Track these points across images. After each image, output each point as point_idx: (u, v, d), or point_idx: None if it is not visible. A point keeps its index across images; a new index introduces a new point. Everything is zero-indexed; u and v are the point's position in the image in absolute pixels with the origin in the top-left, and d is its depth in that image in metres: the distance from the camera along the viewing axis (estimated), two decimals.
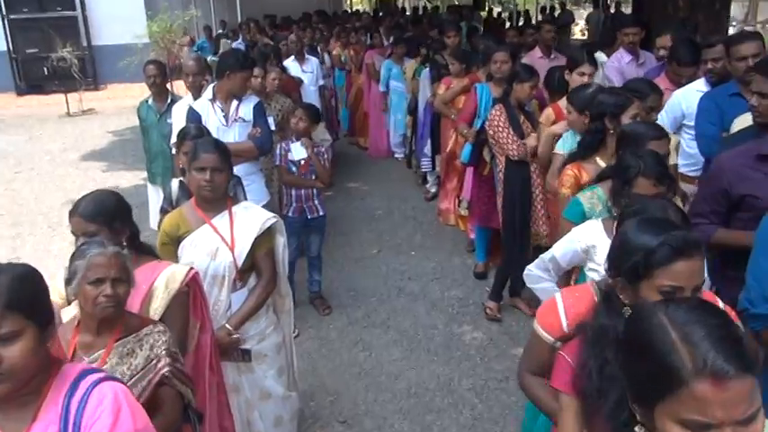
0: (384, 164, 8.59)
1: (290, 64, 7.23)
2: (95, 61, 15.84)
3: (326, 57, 9.80)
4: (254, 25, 10.79)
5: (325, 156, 4.46)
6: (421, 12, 21.63)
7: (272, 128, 5.13)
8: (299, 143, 4.39)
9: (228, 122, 3.98)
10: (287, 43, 7.48)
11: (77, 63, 13.39)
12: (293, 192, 4.43)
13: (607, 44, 5.40)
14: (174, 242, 2.72)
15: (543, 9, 21.88)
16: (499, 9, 27.23)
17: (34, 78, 15.09)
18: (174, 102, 4.94)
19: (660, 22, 6.49)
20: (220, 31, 14.32)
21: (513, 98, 4.21)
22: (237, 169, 3.96)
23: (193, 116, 3.95)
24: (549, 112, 4.01)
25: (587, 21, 20.85)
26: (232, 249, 2.68)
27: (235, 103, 4.00)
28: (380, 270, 5.32)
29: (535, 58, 5.75)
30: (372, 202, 7.01)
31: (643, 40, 5.58)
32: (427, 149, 6.89)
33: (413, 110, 7.41)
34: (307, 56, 7.34)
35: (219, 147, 2.73)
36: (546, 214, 4.19)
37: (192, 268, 2.35)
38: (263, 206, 4.16)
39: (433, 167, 6.91)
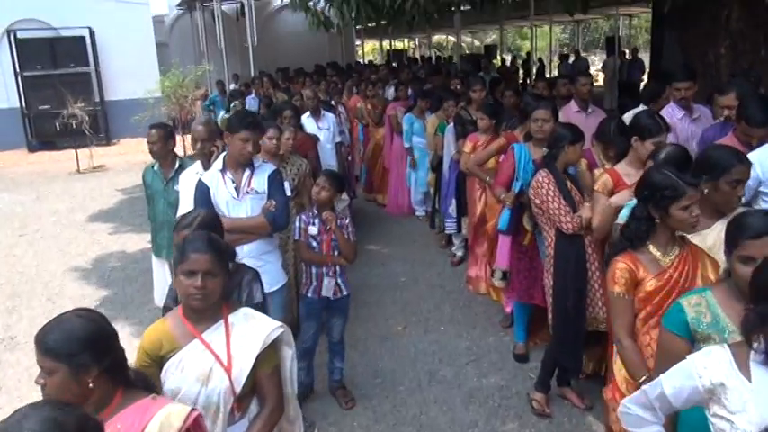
0: (405, 223, 8.11)
1: (305, 120, 6.84)
2: (108, 116, 15.71)
3: (342, 109, 9.47)
4: (267, 79, 10.49)
5: (350, 229, 3.98)
6: (434, 61, 21.57)
7: (289, 193, 4.70)
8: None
9: (240, 195, 3.53)
10: (301, 98, 7.12)
11: (88, 119, 13.19)
12: (313, 269, 3.94)
13: (653, 98, 4.95)
14: (156, 364, 2.21)
15: (566, 56, 21.68)
16: (509, 57, 27.16)
17: (46, 135, 14.92)
18: (182, 167, 4.52)
19: (700, 72, 6.07)
20: (233, 86, 14.11)
21: (560, 162, 3.74)
22: (251, 248, 3.54)
23: (202, 190, 3.51)
24: (605, 179, 3.52)
25: (603, 68, 20.59)
26: (229, 371, 2.17)
27: (247, 172, 3.55)
28: (408, 351, 4.77)
29: (571, 112, 5.31)
30: (395, 268, 6.51)
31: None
32: (452, 210, 6.41)
33: (435, 167, 6.97)
34: (323, 112, 6.96)
35: (213, 245, 2.25)
36: (604, 295, 3.66)
37: (193, 409, 1.84)
38: (280, 288, 3.74)
39: (459, 229, 6.41)
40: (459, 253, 6.57)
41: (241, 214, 3.50)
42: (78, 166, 12.76)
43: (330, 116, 6.97)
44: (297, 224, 3.93)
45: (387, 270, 6.45)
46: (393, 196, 8.56)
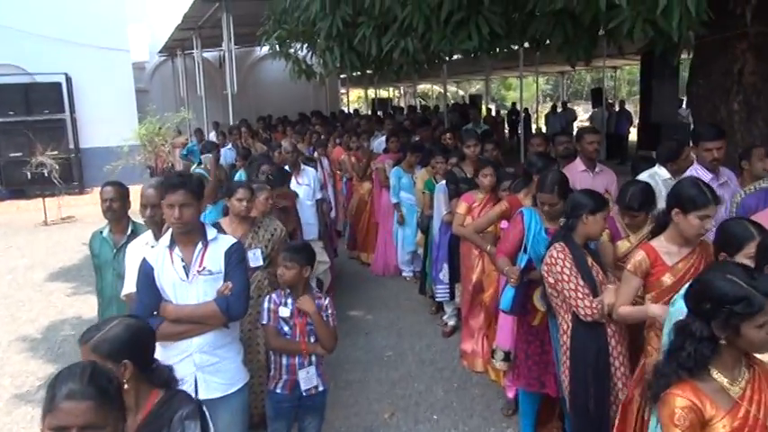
0: (391, 284, 7.49)
1: None
2: (82, 164, 15.09)
3: (325, 162, 8.95)
4: (245, 129, 9.96)
5: (329, 311, 3.37)
6: (420, 111, 21.30)
7: (260, 263, 4.09)
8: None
9: (190, 276, 2.89)
10: (281, 152, 6.58)
11: (58, 168, 12.55)
12: (284, 360, 3.30)
13: (671, 158, 4.44)
14: None
15: (555, 107, 21.51)
16: (493, 107, 26.99)
17: (16, 183, 14.26)
18: (135, 233, 3.90)
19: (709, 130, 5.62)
20: (213, 134, 13.55)
21: (579, 234, 3.18)
22: (202, 342, 2.90)
23: (145, 271, 2.89)
24: (641, 257, 2.93)
25: (591, 119, 20.40)
26: None
27: (199, 247, 2.92)
28: None
29: (576, 172, 4.78)
30: (380, 339, 5.85)
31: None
32: (443, 275, 5.80)
33: (425, 228, 6.40)
34: (303, 166, 6.40)
35: (97, 385, 1.62)
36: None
37: None
38: (238, 390, 3.08)
39: (452, 296, 5.80)
40: (452, 322, 5.94)
41: (191, 299, 2.87)
42: (46, 216, 12.08)
43: (310, 171, 6.42)
44: (265, 305, 3.31)
45: (371, 342, 5.80)
46: (380, 255, 7.96)
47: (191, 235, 2.90)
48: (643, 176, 4.39)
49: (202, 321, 2.85)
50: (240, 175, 6.63)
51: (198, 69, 13.97)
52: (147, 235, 3.56)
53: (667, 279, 2.86)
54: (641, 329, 3.11)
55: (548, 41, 5.58)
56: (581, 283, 3.06)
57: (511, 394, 4.40)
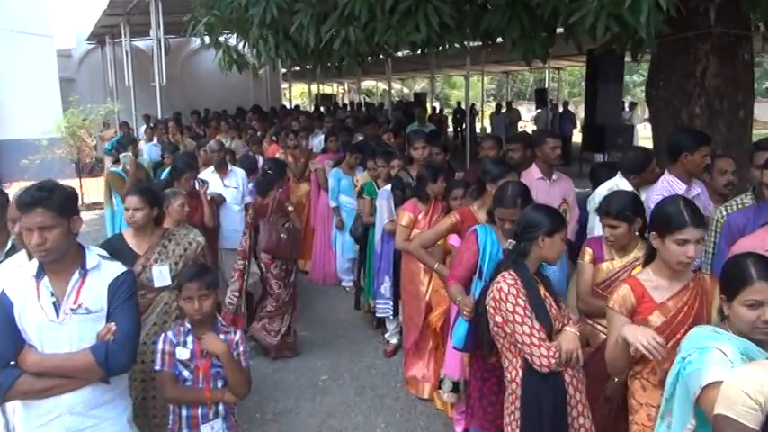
0: (330, 295, 6.94)
1: (209, 176, 5.64)
2: (1, 157, 13.91)
3: (260, 161, 8.31)
4: (172, 124, 9.18)
5: (241, 348, 2.79)
6: (364, 108, 20.76)
7: (166, 282, 3.48)
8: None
9: (60, 315, 2.26)
10: (206, 150, 5.92)
11: None
12: (183, 412, 2.71)
13: (637, 169, 3.98)
14: None
15: (499, 106, 21.31)
16: (437, 105, 26.63)
17: None
18: (15, 249, 3.22)
19: (671, 134, 5.28)
20: (144, 127, 12.63)
21: (532, 260, 2.71)
22: (73, 399, 2.28)
23: (2, 306, 2.25)
24: (625, 292, 2.47)
25: (535, 120, 20.31)
26: None
27: (75, 277, 2.30)
28: None
29: (533, 179, 4.34)
30: (315, 360, 5.29)
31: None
32: (385, 289, 5.28)
33: (360, 237, 5.85)
34: (231, 166, 5.77)
35: None
36: None
37: None
38: None
39: (395, 313, 5.28)
40: (394, 341, 5.43)
41: (61, 345, 2.24)
42: None
43: (239, 172, 5.79)
44: (159, 346, 2.71)
45: (304, 363, 5.22)
46: (318, 263, 7.39)
47: (62, 263, 2.28)
48: (602, 189, 3.97)
49: (74, 375, 2.23)
50: (166, 174, 5.93)
51: (126, 58, 13.04)
52: (21, 255, 2.89)
53: (656, 318, 2.41)
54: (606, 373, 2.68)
55: (501, 37, 5.14)
56: (536, 325, 2.58)
57: (459, 429, 3.93)
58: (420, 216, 4.51)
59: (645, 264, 2.63)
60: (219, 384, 2.73)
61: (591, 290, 3.13)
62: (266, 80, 20.54)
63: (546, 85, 23.37)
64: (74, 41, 18.19)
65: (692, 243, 2.35)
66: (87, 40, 17.46)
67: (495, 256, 3.10)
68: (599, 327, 3.09)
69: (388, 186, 5.21)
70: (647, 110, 22.71)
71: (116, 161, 6.54)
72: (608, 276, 3.10)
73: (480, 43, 6.93)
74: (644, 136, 19.75)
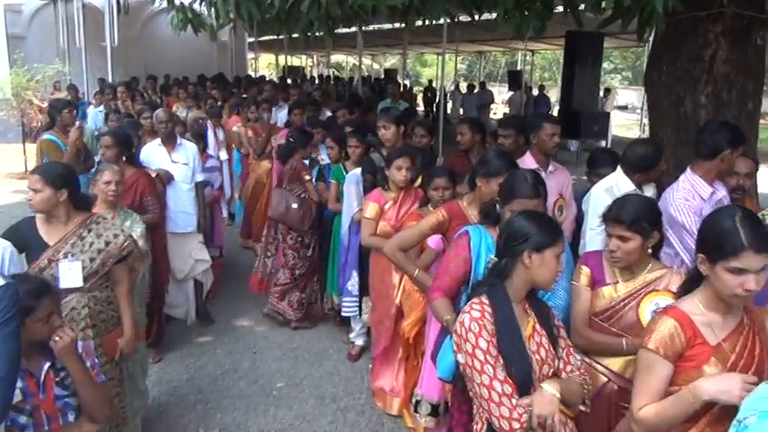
0: None
1: (155, 149, 4.96)
2: None
3: (221, 134, 7.60)
4: (122, 89, 8.36)
5: (89, 363, 2.28)
6: (332, 81, 19.99)
7: (77, 283, 2.87)
8: None
9: None
10: (152, 119, 5.21)
11: None
12: None
13: (645, 167, 3.40)
14: None
15: (471, 86, 20.75)
16: (406, 82, 25.87)
17: None
18: None
19: (673, 124, 4.80)
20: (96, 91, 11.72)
21: (516, 283, 2.16)
22: None
23: None
24: (671, 329, 1.91)
25: (509, 102, 19.83)
26: None
27: None
28: None
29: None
30: (270, 362, 4.70)
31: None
32: (352, 285, 4.70)
33: (317, 224, 5.26)
34: (180, 140, 5.08)
35: None
36: None
37: None
38: None
39: (361, 313, 4.72)
40: (360, 342, 4.87)
41: None
42: None
43: (190, 146, 5.10)
44: None
45: (257, 366, 4.63)
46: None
47: None
48: (598, 188, 3.43)
49: None
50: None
51: (77, 16, 12.06)
52: None
53: (712, 368, 1.87)
54: None
55: (493, 7, 4.56)
56: (498, 375, 2.02)
57: None
58: (387, 206, 3.93)
59: (681, 293, 2.07)
60: (71, 417, 2.16)
61: (588, 320, 2.54)
62: (231, 49, 19.58)
63: (521, 67, 22.85)
64: None
65: (753, 273, 1.81)
66: None
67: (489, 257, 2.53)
68: (598, 366, 2.51)
69: (358, 170, 4.61)
70: (617, 97, 22.30)
71: (50, 127, 5.78)
72: (610, 305, 2.49)
73: (461, 17, 6.37)
74: (616, 124, 19.52)
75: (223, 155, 7.26)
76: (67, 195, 2.91)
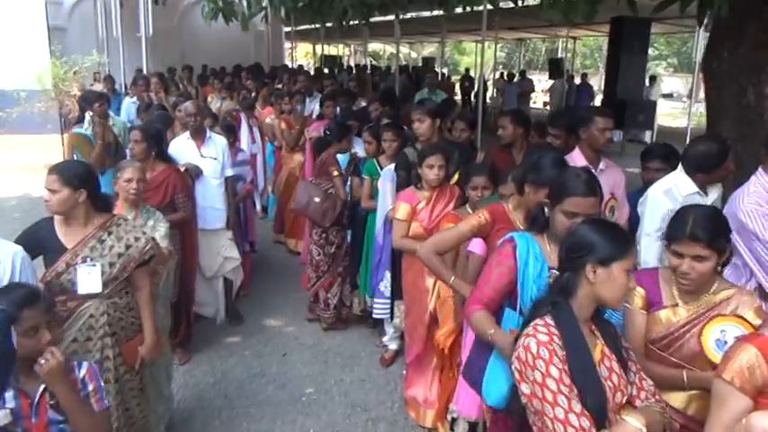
0: None
1: (184, 143, 4.80)
2: None
3: (254, 128, 7.42)
4: (156, 80, 8.26)
5: (91, 388, 2.14)
6: (369, 71, 19.73)
7: (96, 289, 2.70)
8: None
9: None
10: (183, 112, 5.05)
11: None
12: None
13: (706, 168, 3.07)
14: None
15: (511, 75, 20.24)
16: (445, 71, 25.42)
17: None
18: None
19: (733, 117, 4.43)
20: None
21: (582, 300, 1.90)
22: None
23: None
24: (753, 360, 1.66)
25: (550, 91, 19.31)
26: None
27: None
28: None
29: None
30: (299, 366, 4.52)
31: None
32: (385, 286, 4.48)
33: (348, 221, 5.06)
34: (210, 133, 4.91)
35: None
36: None
37: None
38: None
39: (392, 316, 4.49)
40: (393, 346, 4.65)
41: None
42: None
43: (219, 140, 4.92)
44: None
45: (286, 371, 4.45)
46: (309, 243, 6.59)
47: None
48: (656, 189, 3.12)
49: None
50: None
51: (114, 6, 12.06)
52: None
53: None
54: None
55: None
56: (575, 407, 1.77)
57: None
58: (420, 206, 3.69)
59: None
60: None
61: (644, 348, 2.26)
62: (268, 38, 19.46)
63: (563, 55, 22.23)
64: None
65: None
66: None
67: (538, 278, 2.27)
68: None
69: (392, 166, 4.37)
70: (662, 85, 21.35)
71: (81, 120, 5.68)
72: (668, 331, 2.21)
73: (502, 3, 6.07)
74: (661, 113, 18.80)
75: (254, 148, 7.10)
76: (86, 196, 2.75)
